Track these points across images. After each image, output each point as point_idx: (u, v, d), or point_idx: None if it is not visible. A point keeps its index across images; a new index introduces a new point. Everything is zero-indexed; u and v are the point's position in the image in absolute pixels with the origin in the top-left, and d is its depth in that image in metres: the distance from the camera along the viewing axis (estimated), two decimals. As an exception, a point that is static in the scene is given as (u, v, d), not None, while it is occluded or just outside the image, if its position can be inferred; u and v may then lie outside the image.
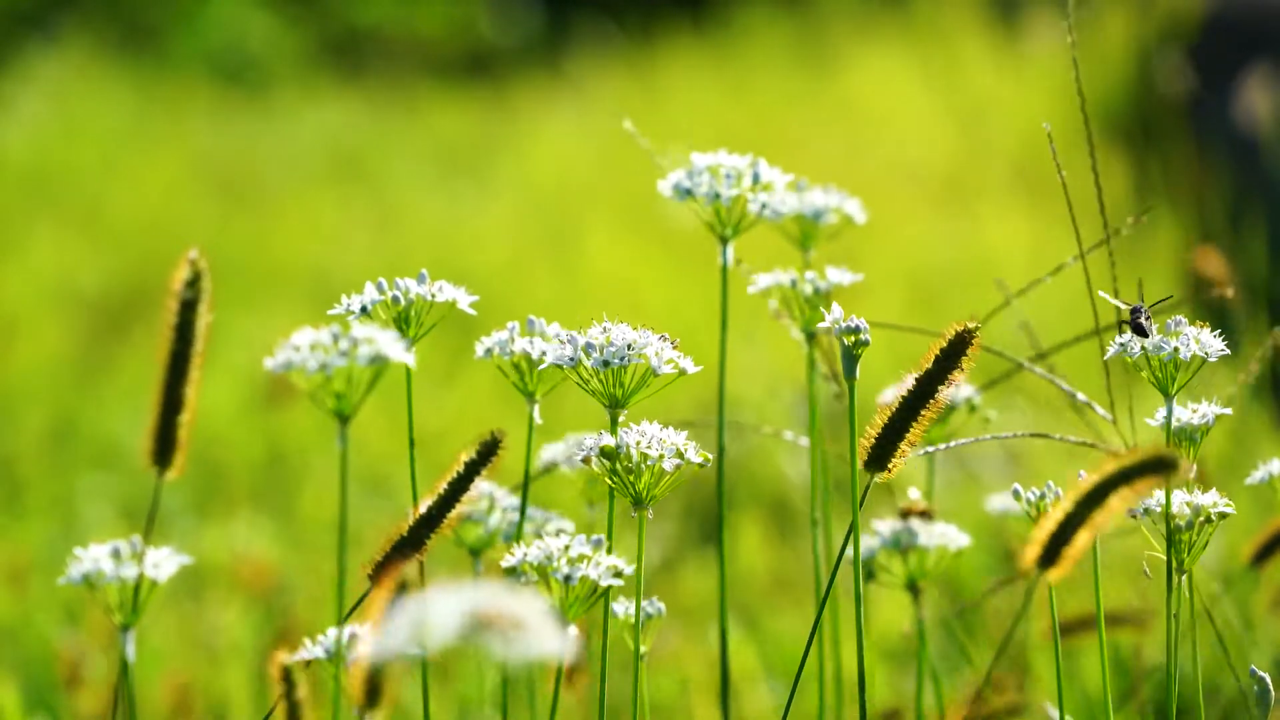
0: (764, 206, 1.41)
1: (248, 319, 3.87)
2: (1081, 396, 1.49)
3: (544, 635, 0.91)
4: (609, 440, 1.22)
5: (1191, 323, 1.28)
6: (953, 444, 1.42)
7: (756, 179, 1.41)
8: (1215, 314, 2.23)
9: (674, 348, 1.26)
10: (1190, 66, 4.04)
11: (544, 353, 1.28)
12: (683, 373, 1.25)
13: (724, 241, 1.42)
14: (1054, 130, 1.43)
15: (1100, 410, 1.47)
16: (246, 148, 5.70)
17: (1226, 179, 4.04)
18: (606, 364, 1.24)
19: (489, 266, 4.28)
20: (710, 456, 1.23)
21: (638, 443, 1.22)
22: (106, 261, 4.45)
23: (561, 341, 1.25)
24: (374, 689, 1.03)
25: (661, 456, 1.22)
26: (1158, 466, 1.09)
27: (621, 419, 1.25)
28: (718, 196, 1.41)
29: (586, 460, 1.23)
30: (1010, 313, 1.62)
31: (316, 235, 4.74)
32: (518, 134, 5.83)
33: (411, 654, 0.94)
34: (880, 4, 6.59)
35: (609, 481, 1.23)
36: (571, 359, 1.24)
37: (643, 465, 1.22)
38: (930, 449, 1.45)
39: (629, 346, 1.24)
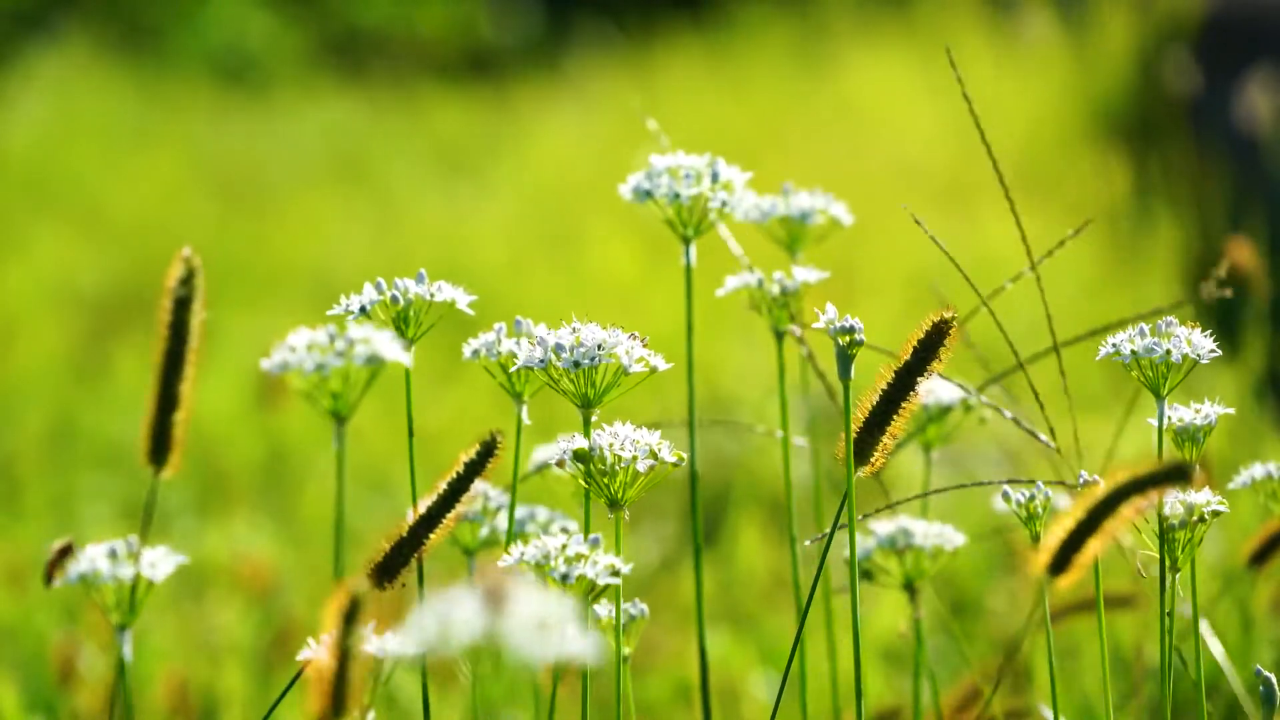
0: (724, 204, 1.41)
1: (248, 319, 3.87)
2: (1025, 424, 1.49)
3: (569, 636, 0.91)
4: (581, 443, 1.23)
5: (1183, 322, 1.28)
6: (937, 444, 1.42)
7: (715, 178, 1.41)
8: (1219, 314, 2.23)
9: (644, 345, 1.25)
10: (1191, 66, 4.04)
11: (512, 353, 1.28)
12: (654, 370, 1.25)
13: (686, 241, 1.42)
14: (1053, 130, 1.44)
15: (1043, 438, 1.47)
16: (246, 148, 5.71)
17: (1226, 179, 4.04)
18: (577, 364, 1.24)
19: (489, 266, 4.28)
20: (684, 456, 1.23)
21: (610, 444, 1.22)
22: (106, 261, 4.45)
23: (533, 343, 1.25)
24: (339, 697, 1.02)
25: (635, 458, 1.22)
26: (1172, 477, 1.09)
27: (595, 419, 1.25)
28: (677, 197, 1.41)
29: (560, 463, 1.23)
30: (1013, 312, 1.62)
31: (317, 235, 4.74)
32: (518, 134, 5.83)
33: (429, 654, 0.93)
34: (880, 4, 6.59)
35: (583, 483, 1.23)
36: (542, 360, 1.24)
37: (616, 467, 1.22)
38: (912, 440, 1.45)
39: (599, 346, 1.24)
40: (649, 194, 1.41)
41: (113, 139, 5.68)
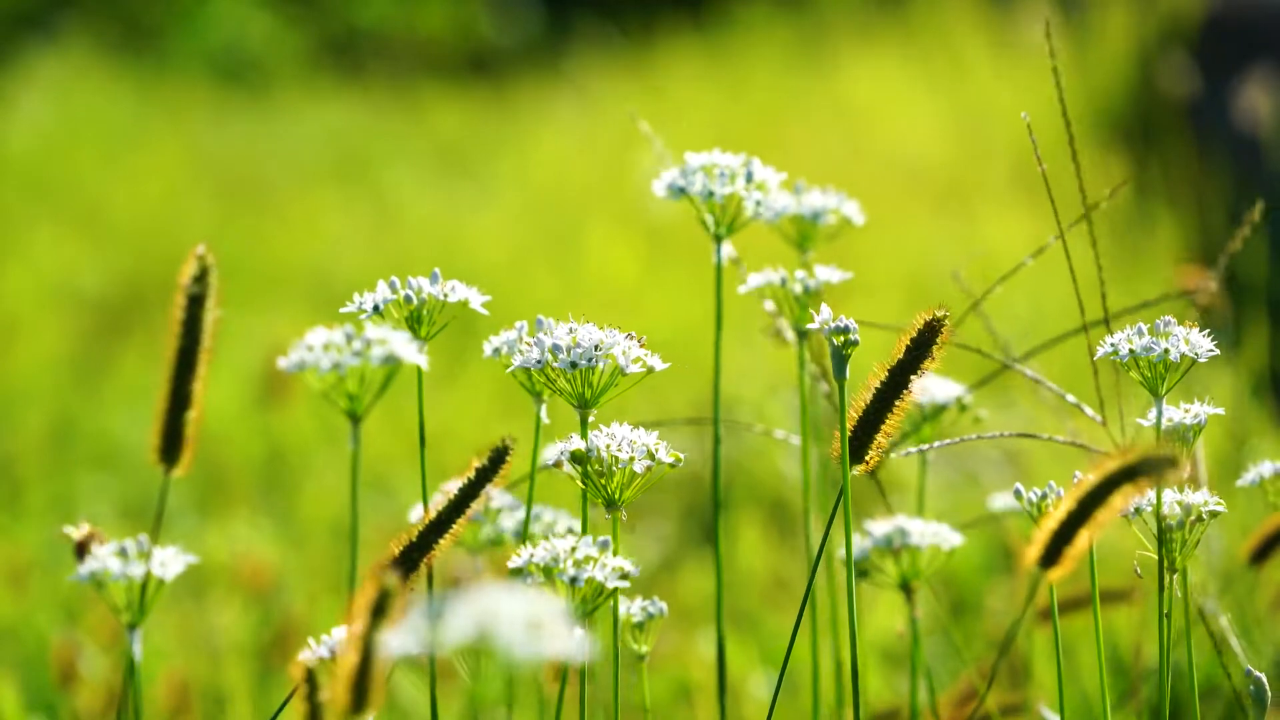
0: (759, 204, 1.41)
1: (248, 319, 3.87)
2: (1071, 398, 1.50)
3: (557, 636, 0.91)
4: (579, 444, 1.23)
5: (1182, 322, 1.28)
6: (934, 445, 1.43)
7: (750, 178, 1.41)
8: (1212, 314, 2.23)
9: (642, 345, 1.25)
10: (1190, 66, 4.04)
11: (498, 351, 1.28)
12: (651, 370, 1.24)
13: (718, 240, 1.42)
14: (1052, 131, 1.44)
15: (1089, 412, 1.47)
16: (247, 148, 5.71)
17: (1226, 179, 4.04)
18: (574, 365, 1.24)
19: (489, 266, 4.28)
20: (682, 457, 1.23)
21: (607, 445, 1.22)
22: (106, 261, 4.46)
23: (528, 344, 1.25)
24: (361, 692, 1.02)
25: (632, 459, 1.22)
26: (1159, 465, 1.09)
27: (591, 419, 1.25)
28: (711, 195, 1.40)
29: (558, 464, 1.23)
30: (1013, 310, 1.63)
31: (316, 235, 4.74)
32: (518, 134, 5.83)
33: (422, 654, 0.93)
34: (879, 4, 6.59)
35: (580, 484, 1.23)
36: (539, 361, 1.24)
37: (613, 468, 1.22)
38: (913, 450, 1.46)
39: (596, 347, 1.24)
40: (683, 191, 1.41)
41: (113, 139, 5.68)
